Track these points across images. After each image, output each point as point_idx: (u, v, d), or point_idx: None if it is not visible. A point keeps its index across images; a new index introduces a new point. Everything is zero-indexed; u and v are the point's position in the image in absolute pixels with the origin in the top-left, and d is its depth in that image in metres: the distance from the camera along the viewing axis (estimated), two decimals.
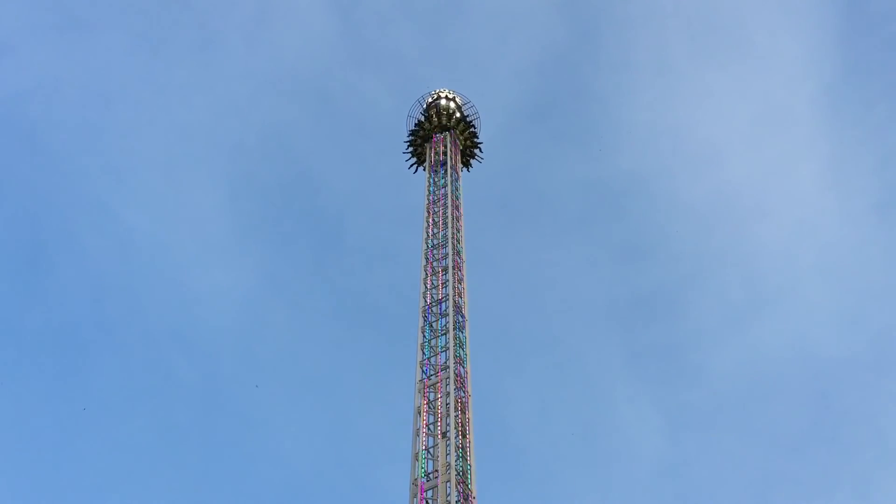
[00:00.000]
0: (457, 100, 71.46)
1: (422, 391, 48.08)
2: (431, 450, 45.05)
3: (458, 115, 70.07)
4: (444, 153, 66.94)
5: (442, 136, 68.72)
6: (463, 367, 49.55)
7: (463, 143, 69.84)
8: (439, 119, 69.24)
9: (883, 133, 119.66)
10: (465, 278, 55.63)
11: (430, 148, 67.46)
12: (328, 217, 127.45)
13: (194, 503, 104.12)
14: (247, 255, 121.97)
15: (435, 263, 56.36)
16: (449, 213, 60.08)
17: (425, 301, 53.67)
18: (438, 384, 48.16)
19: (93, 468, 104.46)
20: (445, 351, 49.90)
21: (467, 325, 52.37)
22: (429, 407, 47.29)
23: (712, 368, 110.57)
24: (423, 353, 50.26)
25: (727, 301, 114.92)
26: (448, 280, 54.04)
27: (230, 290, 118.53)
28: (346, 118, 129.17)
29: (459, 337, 51.01)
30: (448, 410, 46.09)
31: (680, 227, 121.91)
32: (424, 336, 51.28)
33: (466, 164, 69.97)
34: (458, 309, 52.55)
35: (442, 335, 51.19)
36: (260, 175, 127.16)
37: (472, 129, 70.52)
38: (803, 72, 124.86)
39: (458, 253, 57.10)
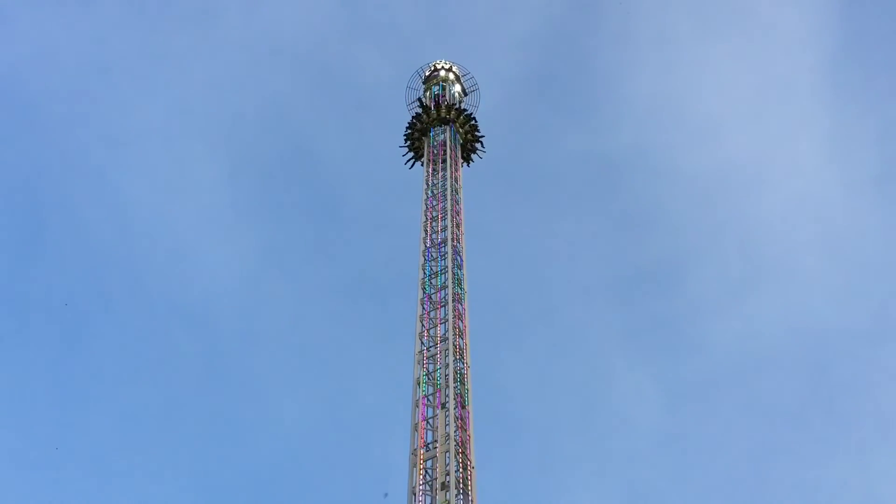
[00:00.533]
0: (455, 70, 70.99)
1: (421, 362, 48.23)
2: (431, 420, 45.25)
3: (458, 106, 67.33)
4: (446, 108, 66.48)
5: (442, 129, 65.50)
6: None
7: (464, 136, 66.63)
8: (438, 111, 66.36)
9: (884, 105, 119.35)
10: (464, 249, 55.62)
11: (428, 144, 64.74)
12: (327, 189, 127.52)
13: (197, 472, 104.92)
14: (246, 227, 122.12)
15: (434, 235, 56.31)
16: (448, 185, 59.81)
17: (424, 273, 53.74)
18: (438, 355, 48.30)
19: (95, 439, 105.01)
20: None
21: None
22: (428, 378, 47.46)
23: (711, 341, 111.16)
24: (422, 324, 50.37)
25: (726, 273, 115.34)
26: (447, 252, 54.06)
27: (230, 261, 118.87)
28: (345, 90, 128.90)
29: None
30: (447, 381, 46.26)
31: (680, 200, 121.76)
32: (423, 308, 51.35)
33: (467, 160, 66.55)
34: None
35: (442, 306, 51.30)
36: (258, 147, 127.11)
37: (472, 122, 67.55)
38: (804, 43, 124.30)
39: (457, 226, 57.03)
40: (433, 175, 61.65)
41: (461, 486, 41.40)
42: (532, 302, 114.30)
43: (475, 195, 65.06)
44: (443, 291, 52.00)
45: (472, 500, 41.21)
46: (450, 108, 66.79)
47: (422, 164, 64.71)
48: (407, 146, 66.84)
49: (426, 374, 47.63)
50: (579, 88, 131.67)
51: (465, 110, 67.38)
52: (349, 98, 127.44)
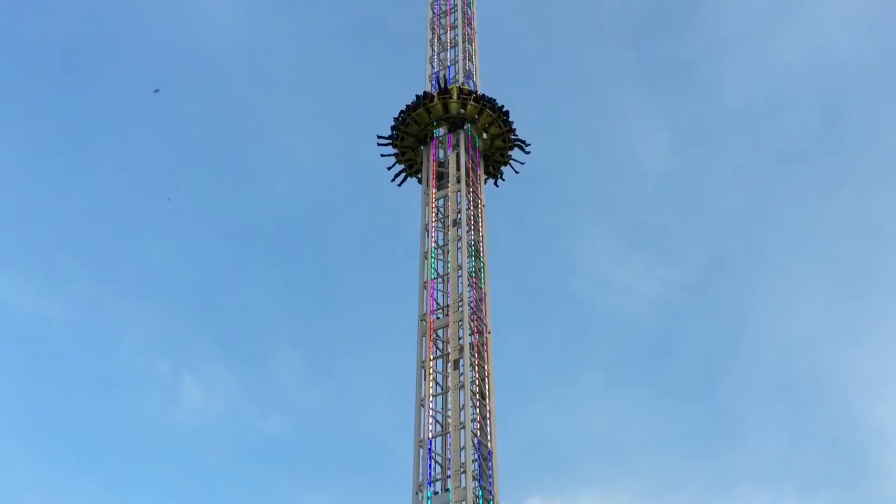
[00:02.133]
0: None
1: None
2: (444, 162, 46.39)
3: (478, 93, 45.51)
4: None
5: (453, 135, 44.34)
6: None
7: (488, 143, 44.92)
8: (445, 101, 44.13)
9: None
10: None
11: (428, 157, 44.12)
12: None
13: (215, 218, 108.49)
14: None
15: None
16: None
17: (433, 12, 52.58)
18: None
19: (107, 186, 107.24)
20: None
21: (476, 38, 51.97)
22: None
23: (725, 82, 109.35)
24: (432, 66, 50.17)
25: (747, 11, 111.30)
26: (456, 3, 52.67)
27: (234, 5, 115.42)
28: None
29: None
30: None
31: None
32: (433, 49, 50.92)
33: (494, 176, 45.82)
34: (467, 22, 51.83)
35: (453, 47, 50.88)
36: None
37: (504, 118, 44.91)
38: None
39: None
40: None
41: (472, 221, 43.25)
42: (544, 43, 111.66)
43: None
44: (453, 31, 51.36)
45: (482, 236, 43.33)
46: (467, 96, 43.89)
47: (419, 181, 44.65)
48: (394, 155, 45.30)
49: None
50: None
51: (491, 100, 44.47)
52: None
